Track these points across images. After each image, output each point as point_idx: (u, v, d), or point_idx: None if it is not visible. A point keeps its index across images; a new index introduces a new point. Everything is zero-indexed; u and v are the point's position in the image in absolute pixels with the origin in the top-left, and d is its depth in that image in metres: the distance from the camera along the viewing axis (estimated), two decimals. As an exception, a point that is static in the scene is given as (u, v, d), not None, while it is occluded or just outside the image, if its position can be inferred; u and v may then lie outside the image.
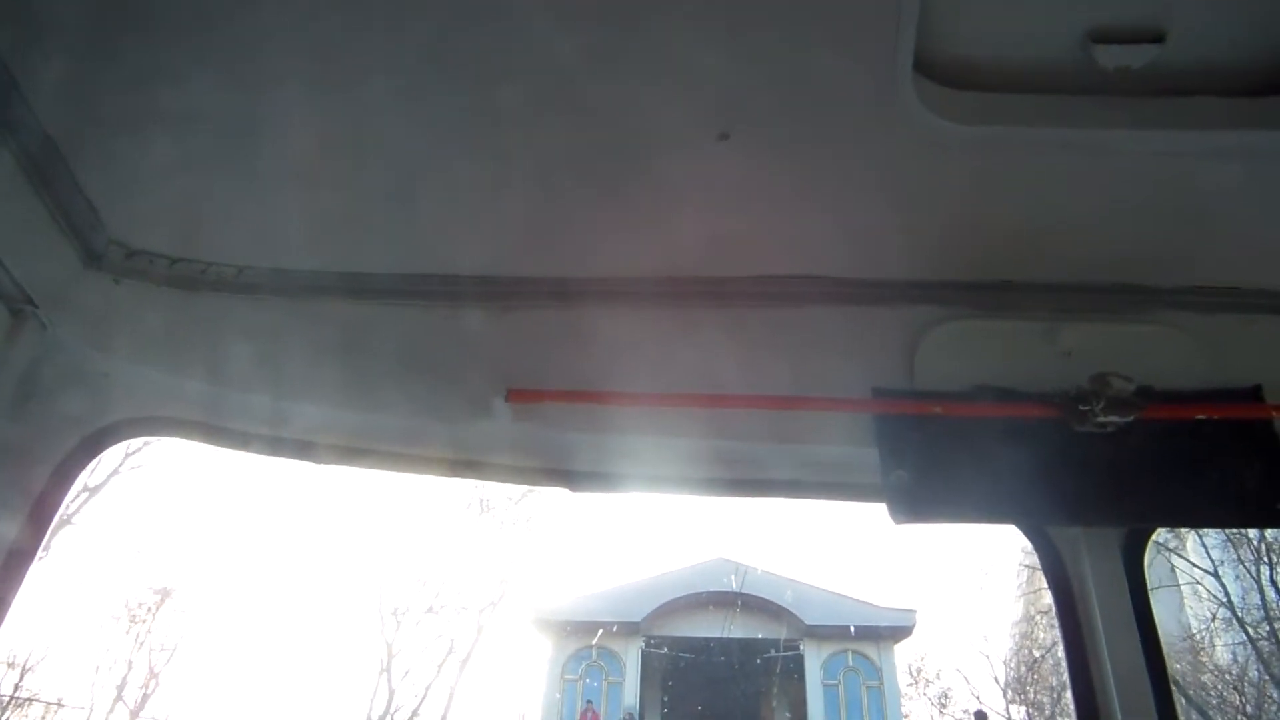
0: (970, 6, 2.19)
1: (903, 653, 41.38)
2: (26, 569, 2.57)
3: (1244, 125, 2.34)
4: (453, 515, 48.76)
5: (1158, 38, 2.18)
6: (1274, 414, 2.71)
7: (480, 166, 2.59)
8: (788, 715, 41.50)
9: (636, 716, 38.42)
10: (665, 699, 41.26)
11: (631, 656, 39.56)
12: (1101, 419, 2.67)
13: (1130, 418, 2.67)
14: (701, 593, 40.02)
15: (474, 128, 2.46)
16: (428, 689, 40.97)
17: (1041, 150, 2.46)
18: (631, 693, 38.80)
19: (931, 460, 2.72)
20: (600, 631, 39.64)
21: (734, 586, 39.29)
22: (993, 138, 2.40)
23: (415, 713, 40.56)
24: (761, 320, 2.97)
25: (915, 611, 40.09)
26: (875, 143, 2.45)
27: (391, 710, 40.03)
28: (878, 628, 39.48)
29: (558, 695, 39.01)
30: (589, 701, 38.65)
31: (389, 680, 40.57)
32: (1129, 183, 2.55)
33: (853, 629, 39.45)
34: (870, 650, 39.72)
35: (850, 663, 39.61)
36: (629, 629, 39.37)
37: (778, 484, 3.06)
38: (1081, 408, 2.68)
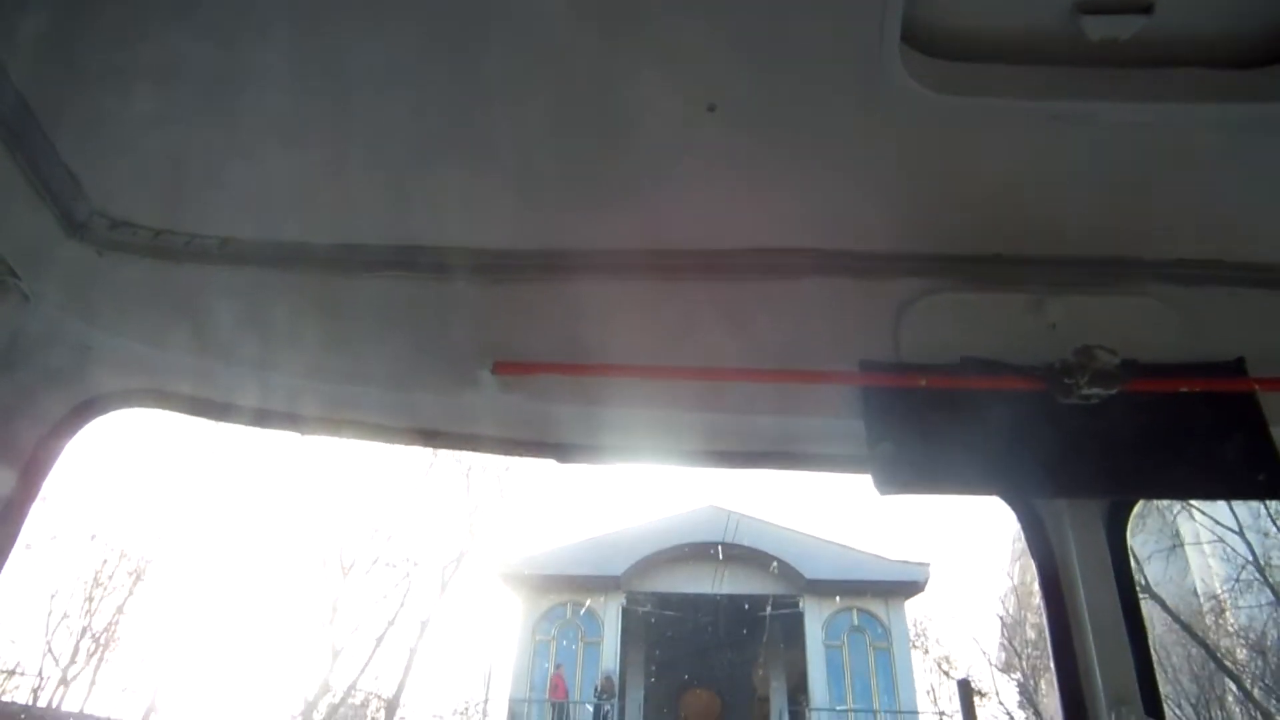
0: None
1: (912, 610, 41.45)
2: (11, 545, 2.91)
3: (1230, 98, 2.61)
4: (411, 461, 49.03)
5: (1145, 8, 2.43)
6: (1256, 387, 3.03)
7: (467, 136, 2.87)
8: (785, 680, 41.74)
9: (616, 681, 38.64)
10: (648, 661, 41.30)
11: (611, 614, 39.66)
12: (1086, 391, 2.96)
13: (1114, 390, 2.95)
14: (689, 544, 39.91)
15: (460, 96, 2.72)
16: (379, 641, 41.50)
17: (1029, 122, 2.74)
18: (611, 655, 38.85)
19: (917, 432, 3.05)
20: (577, 587, 39.77)
21: (726, 537, 39.18)
22: (980, 109, 2.68)
23: (364, 668, 41.15)
24: (749, 292, 3.28)
25: (928, 565, 40.13)
26: (863, 114, 2.73)
27: (334, 672, 40.70)
28: (886, 582, 39.55)
29: (530, 658, 39.15)
30: (559, 665, 38.78)
31: (332, 635, 41.19)
32: (1117, 155, 2.84)
33: (857, 584, 39.50)
34: (877, 607, 39.74)
35: (855, 621, 39.66)
36: (608, 584, 39.49)
37: (765, 455, 3.40)
38: (1066, 380, 2.98)
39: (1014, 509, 3.32)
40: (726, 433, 3.36)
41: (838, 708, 38.16)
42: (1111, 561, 3.14)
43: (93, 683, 36.37)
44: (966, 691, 30.03)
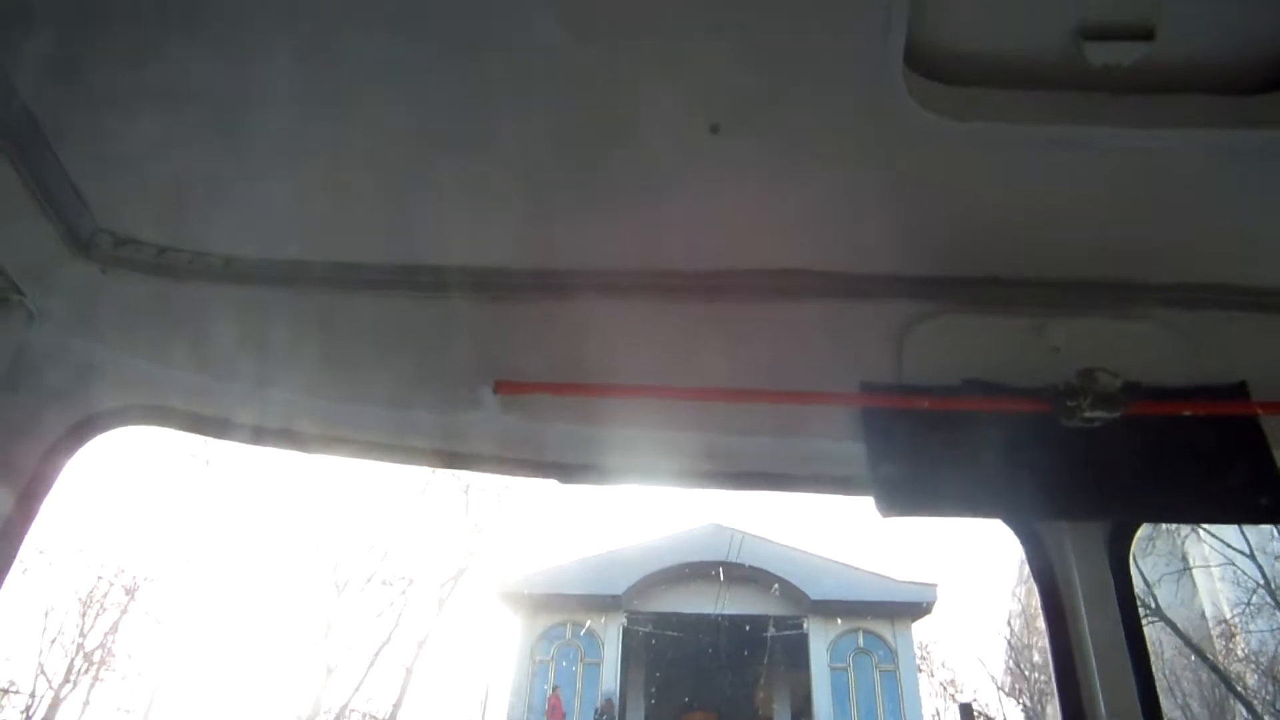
0: (961, 1, 2.52)
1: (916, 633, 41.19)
2: (10, 563, 2.95)
3: (1232, 124, 2.69)
4: (409, 478, 49.23)
5: (1147, 35, 2.51)
6: (1259, 410, 3.10)
7: (468, 155, 2.95)
8: (789, 702, 41.53)
9: (616, 704, 38.48)
10: (649, 683, 41.04)
11: (611, 635, 39.43)
12: (1088, 414, 3.03)
13: (1117, 413, 3.03)
14: (691, 563, 39.66)
15: (462, 115, 2.80)
16: (374, 659, 41.59)
17: (1031, 146, 2.81)
18: (611, 676, 38.60)
19: (919, 454, 3.12)
20: (576, 606, 39.63)
21: (729, 556, 38.93)
22: (982, 133, 2.75)
23: (358, 688, 41.19)
24: (751, 313, 3.36)
25: (935, 586, 39.91)
26: (865, 137, 2.81)
27: (328, 690, 40.80)
28: (892, 603, 39.27)
29: (528, 679, 38.96)
30: (555, 687, 38.52)
31: (327, 653, 41.29)
32: (1118, 179, 2.92)
33: (863, 604, 39.27)
34: (884, 629, 39.46)
35: (861, 643, 39.37)
36: (609, 604, 39.27)
37: (766, 477, 3.46)
38: (1069, 403, 3.04)
39: (1016, 532, 3.37)
40: (727, 454, 3.41)
41: (843, 731, 37.97)
42: (1114, 584, 3.18)
43: (86, 702, 36.63)
44: (969, 716, 29.95)
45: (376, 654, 42.49)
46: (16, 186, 2.78)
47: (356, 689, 41.60)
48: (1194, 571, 36.19)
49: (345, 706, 41.74)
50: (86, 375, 3.19)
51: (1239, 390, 3.17)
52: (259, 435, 3.46)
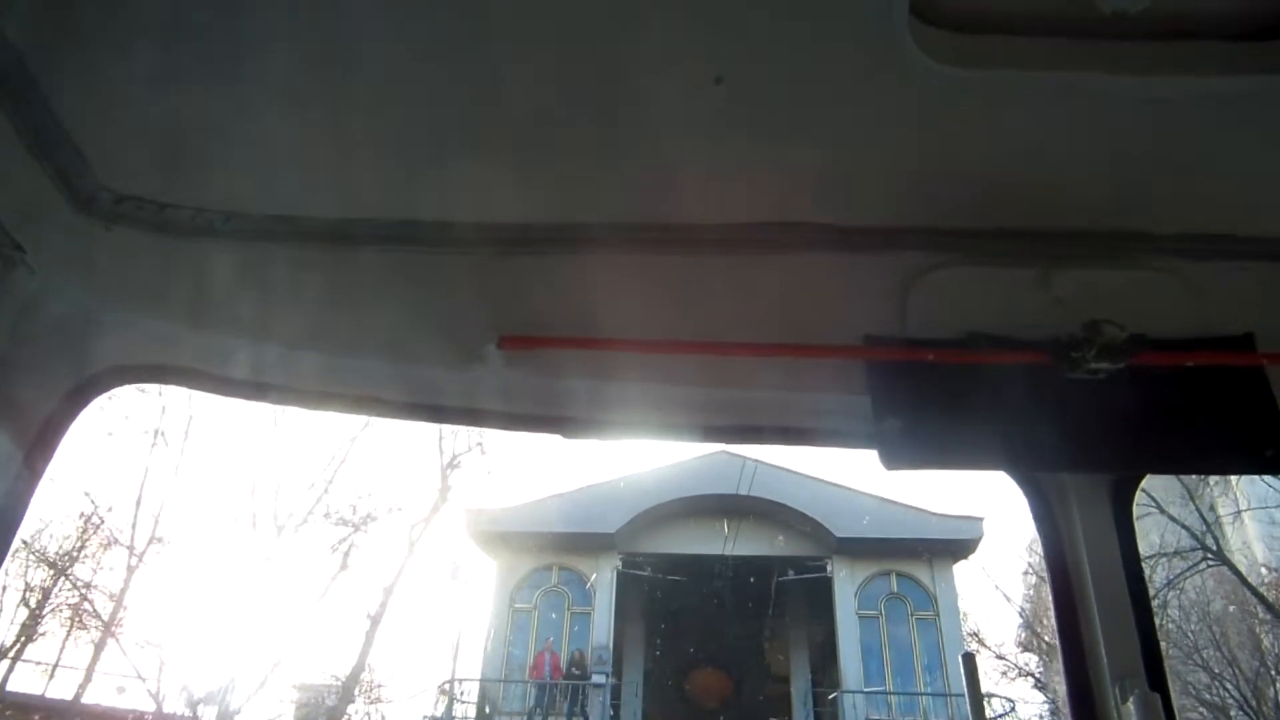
0: None
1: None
2: (22, 516, 3.42)
3: (1240, 70, 3.06)
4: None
5: None
6: (1265, 362, 3.52)
7: (471, 107, 3.36)
8: (809, 656, 41.47)
9: (609, 659, 38.42)
10: (650, 635, 41.20)
11: (603, 579, 39.62)
12: (1093, 366, 3.44)
13: (1121, 364, 3.43)
14: (697, 497, 39.80)
15: (465, 68, 3.18)
16: (323, 593, 42.68)
17: (1037, 95, 3.19)
18: (603, 627, 38.98)
19: (923, 407, 3.55)
20: (563, 547, 39.51)
21: (740, 489, 38.88)
22: (988, 82, 3.13)
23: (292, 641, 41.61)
24: (755, 266, 3.80)
25: (981, 520, 39.75)
26: (871, 87, 3.19)
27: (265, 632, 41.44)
28: (931, 540, 39.38)
29: (507, 631, 38.97)
30: (549, 639, 38.74)
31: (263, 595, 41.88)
32: (1125, 128, 3.30)
33: (897, 543, 39.26)
34: (921, 571, 39.68)
35: (894, 587, 39.66)
36: (600, 543, 39.54)
37: (771, 430, 3.95)
38: (1073, 354, 3.45)
39: (1019, 484, 3.81)
40: (733, 407, 3.86)
41: (873, 689, 38.04)
42: (1117, 536, 3.61)
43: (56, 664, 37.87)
44: (971, 666, 30.26)
45: (318, 603, 43.20)
46: (14, 144, 3.14)
47: (289, 646, 42.40)
48: (1224, 521, 36.78)
49: (276, 665, 42.65)
50: (89, 333, 3.62)
51: (1245, 341, 3.59)
52: (263, 391, 3.97)
